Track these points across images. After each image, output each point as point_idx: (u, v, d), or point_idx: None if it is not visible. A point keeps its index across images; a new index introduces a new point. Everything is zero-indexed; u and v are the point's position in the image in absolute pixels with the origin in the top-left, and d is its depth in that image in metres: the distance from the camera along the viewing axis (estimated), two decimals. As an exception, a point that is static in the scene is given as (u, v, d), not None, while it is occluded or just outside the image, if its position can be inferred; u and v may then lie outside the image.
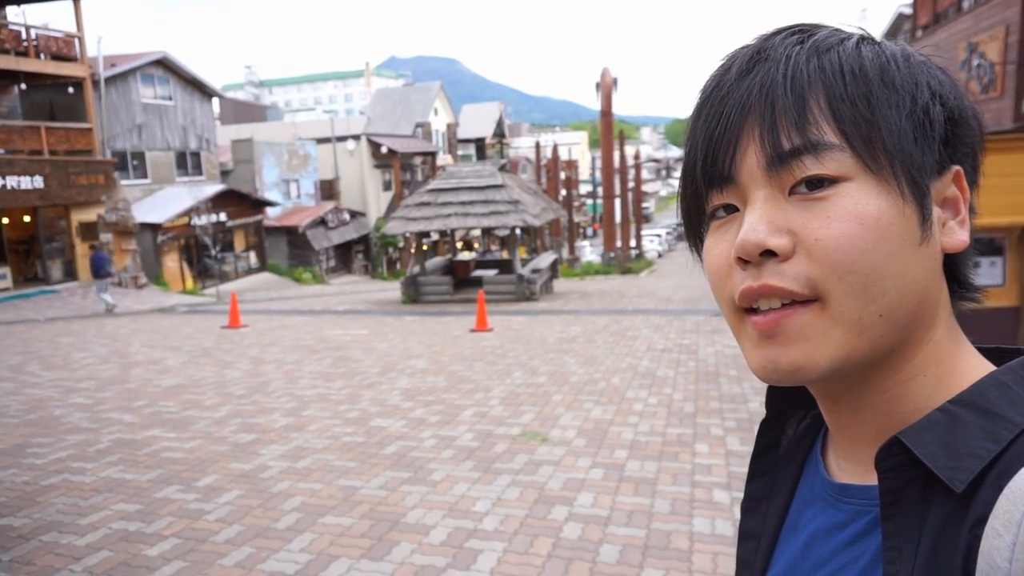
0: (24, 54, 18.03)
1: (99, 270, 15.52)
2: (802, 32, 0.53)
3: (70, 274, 19.16)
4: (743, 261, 0.51)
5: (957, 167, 0.53)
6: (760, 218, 0.50)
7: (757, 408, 5.92)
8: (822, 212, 0.49)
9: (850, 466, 0.58)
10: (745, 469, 4.46)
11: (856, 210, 0.48)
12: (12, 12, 19.80)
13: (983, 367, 0.54)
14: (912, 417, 0.52)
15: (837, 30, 0.54)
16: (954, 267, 0.55)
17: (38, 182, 17.30)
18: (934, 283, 0.52)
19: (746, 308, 0.53)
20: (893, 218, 0.49)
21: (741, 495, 4.02)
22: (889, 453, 0.50)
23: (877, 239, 0.48)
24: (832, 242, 0.48)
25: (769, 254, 0.50)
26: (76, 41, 19.51)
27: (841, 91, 0.50)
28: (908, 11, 14.93)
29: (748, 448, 4.89)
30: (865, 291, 0.49)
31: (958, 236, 0.53)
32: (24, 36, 18.09)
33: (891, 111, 0.50)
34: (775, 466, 0.67)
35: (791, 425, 0.67)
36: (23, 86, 20.36)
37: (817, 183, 0.49)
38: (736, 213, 0.54)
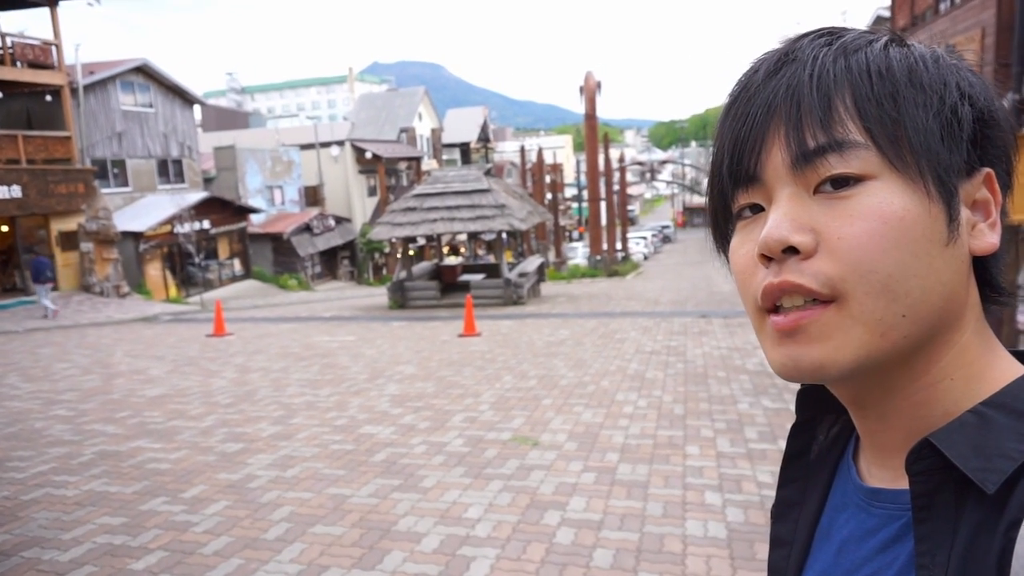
0: (0, 62, 17.78)
1: (39, 275, 15.36)
2: (830, 34, 0.53)
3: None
4: (766, 258, 0.51)
5: (988, 169, 0.52)
6: (784, 215, 0.50)
7: (746, 409, 5.93)
8: (846, 210, 0.49)
9: (881, 471, 0.57)
10: (736, 471, 4.48)
11: (880, 208, 0.48)
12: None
13: (1015, 370, 0.53)
14: (941, 421, 0.51)
15: (865, 32, 0.54)
16: (984, 270, 0.54)
17: (16, 191, 17.03)
18: (960, 285, 0.51)
19: (768, 309, 0.52)
20: (918, 217, 0.48)
21: (733, 497, 4.02)
22: (920, 456, 0.49)
23: (901, 238, 0.48)
24: (855, 240, 0.48)
25: (792, 251, 0.49)
26: (53, 48, 19.27)
27: (867, 90, 0.49)
28: (887, 13, 15.12)
29: (738, 450, 4.90)
30: (887, 290, 0.48)
31: (988, 239, 0.52)
32: (0, 44, 17.85)
33: (918, 110, 0.49)
34: (806, 471, 0.66)
35: (822, 430, 0.66)
36: None
37: (842, 182, 0.49)
38: (762, 213, 0.53)
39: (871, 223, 0.48)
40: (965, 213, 0.51)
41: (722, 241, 0.60)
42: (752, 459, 4.69)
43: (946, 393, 0.52)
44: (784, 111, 0.51)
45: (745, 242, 0.54)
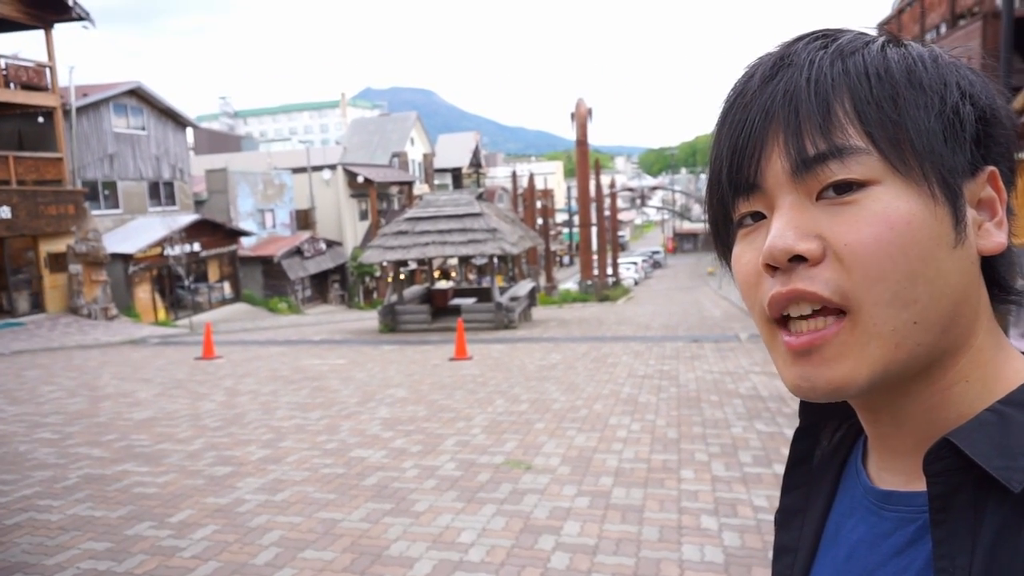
0: (-7, 84, 17.80)
1: None
2: (825, 37, 0.53)
3: (38, 306, 18.70)
4: (771, 268, 0.50)
5: (992, 167, 0.52)
6: (788, 224, 0.49)
7: (740, 433, 5.91)
8: (851, 216, 0.48)
9: (891, 475, 0.56)
10: (731, 495, 4.43)
11: (886, 213, 0.47)
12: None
13: None
14: (955, 423, 0.50)
15: (862, 34, 0.53)
16: (993, 270, 0.53)
17: (5, 212, 16.94)
18: (971, 287, 0.50)
19: (776, 319, 0.51)
20: (924, 221, 0.48)
21: (729, 521, 3.99)
22: (938, 456, 0.48)
23: (908, 242, 0.47)
24: (862, 247, 0.47)
25: (798, 260, 0.49)
26: (47, 71, 19.33)
27: (866, 93, 0.49)
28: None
29: (733, 474, 4.87)
30: (897, 297, 0.47)
31: (995, 238, 0.51)
32: (-6, 66, 17.89)
33: (919, 112, 0.49)
34: (810, 477, 0.65)
35: (826, 435, 0.65)
36: (-9, 115, 20.09)
37: (845, 187, 0.48)
38: (763, 220, 0.52)
39: (877, 228, 0.47)
40: (971, 213, 0.50)
41: (723, 249, 0.59)
42: (747, 483, 4.66)
43: (962, 395, 0.51)
44: (782, 117, 0.50)
45: (748, 250, 0.53)
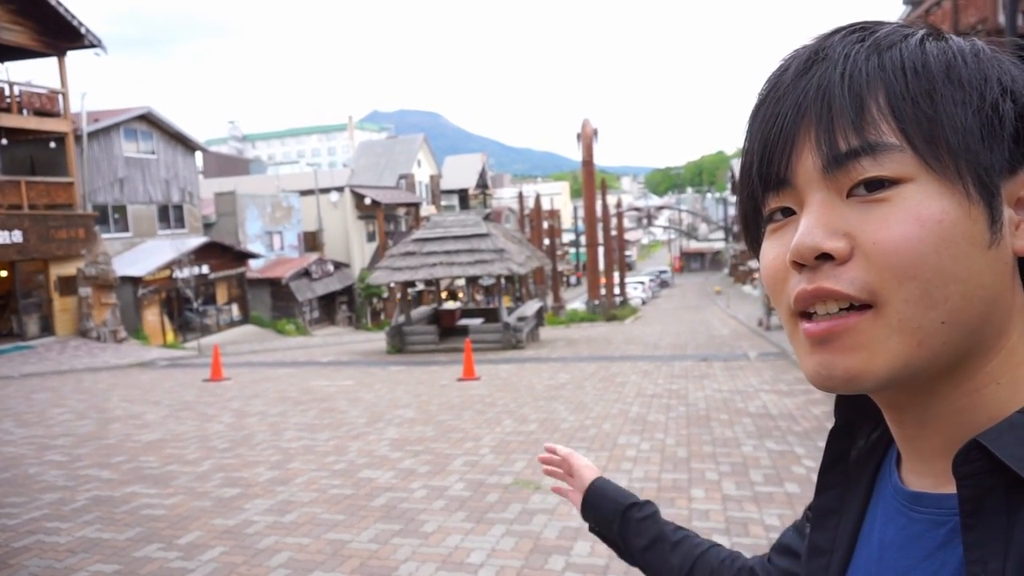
0: (7, 110, 18.06)
1: None
2: (863, 30, 0.52)
3: (47, 329, 18.80)
4: (798, 265, 0.49)
5: None
6: (816, 221, 0.48)
7: (751, 452, 5.85)
8: (881, 214, 0.47)
9: (921, 478, 0.55)
10: (743, 514, 4.39)
11: (917, 212, 0.46)
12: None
13: None
14: (985, 426, 0.49)
15: (901, 26, 0.52)
16: None
17: (16, 236, 17.11)
18: (1005, 287, 0.49)
19: (801, 313, 0.50)
20: (958, 220, 0.46)
21: (741, 540, 3.94)
22: (968, 458, 0.47)
23: (939, 242, 0.46)
24: (891, 245, 0.46)
25: (825, 258, 0.48)
26: (60, 97, 19.61)
27: (902, 89, 0.47)
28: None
29: (744, 493, 4.82)
30: (926, 296, 0.46)
31: None
32: (7, 92, 18.16)
33: (956, 108, 0.47)
34: (845, 478, 0.63)
35: (862, 435, 0.64)
36: (4, 141, 20.34)
37: (877, 184, 0.47)
38: (793, 216, 0.52)
39: (908, 227, 0.46)
40: (1008, 213, 0.49)
41: (754, 243, 0.58)
42: (759, 502, 4.61)
43: (992, 398, 0.50)
44: (815, 112, 0.49)
45: (776, 246, 0.53)
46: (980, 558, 0.45)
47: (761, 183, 0.53)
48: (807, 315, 0.50)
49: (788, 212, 0.52)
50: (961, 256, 0.46)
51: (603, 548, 3.91)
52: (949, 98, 0.47)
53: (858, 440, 0.64)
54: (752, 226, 0.57)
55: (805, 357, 0.51)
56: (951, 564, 0.49)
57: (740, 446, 6.07)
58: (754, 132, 0.53)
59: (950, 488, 0.49)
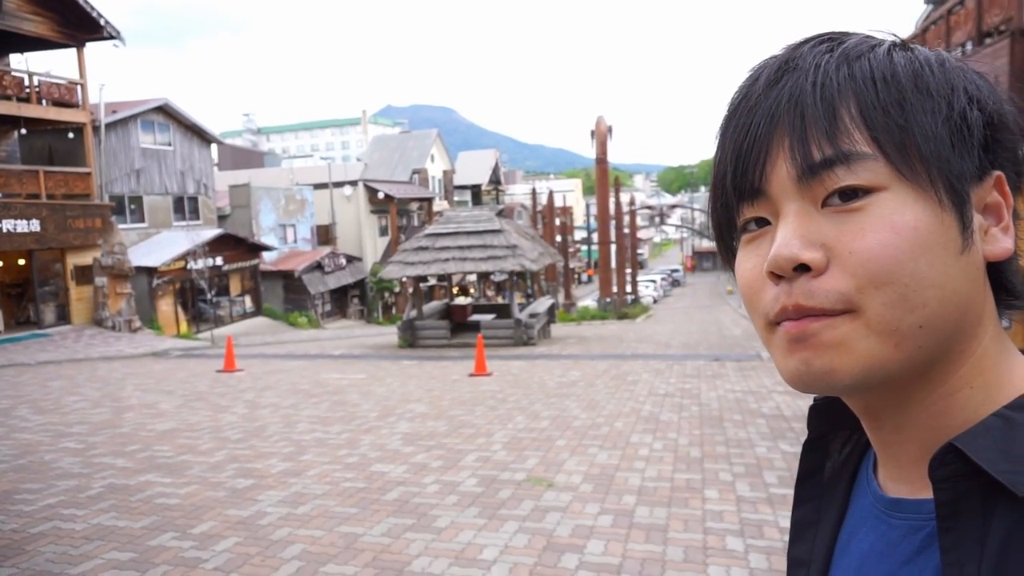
0: (26, 100, 18.23)
1: None
2: (831, 40, 0.52)
3: (63, 317, 18.99)
4: (776, 276, 0.49)
5: (998, 172, 0.51)
6: (793, 232, 0.49)
7: (764, 453, 5.82)
8: (856, 224, 0.47)
9: (899, 484, 0.55)
10: (757, 516, 4.36)
11: (892, 220, 0.47)
12: (15, 59, 20.10)
13: None
14: (960, 430, 0.49)
15: (868, 37, 0.53)
16: (999, 275, 0.53)
17: (35, 225, 17.28)
18: (977, 292, 0.50)
19: (778, 322, 0.51)
20: (931, 227, 0.47)
21: (755, 542, 3.92)
22: (944, 461, 0.47)
23: (915, 248, 0.47)
24: (867, 254, 0.47)
25: (803, 268, 0.48)
26: (78, 88, 19.77)
27: (873, 98, 0.48)
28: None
29: (758, 494, 4.79)
30: (905, 301, 0.47)
31: (1001, 243, 0.51)
32: (27, 82, 18.33)
33: (926, 117, 0.48)
34: (821, 490, 0.64)
35: (835, 446, 0.65)
36: (23, 131, 20.54)
37: (851, 194, 0.48)
38: (768, 227, 0.52)
39: (883, 235, 0.47)
40: (977, 219, 0.50)
41: (728, 254, 0.58)
42: (773, 504, 4.58)
43: (965, 402, 0.50)
44: (788, 122, 0.49)
45: (751, 257, 0.53)
46: (957, 560, 0.46)
47: (735, 193, 0.53)
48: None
49: (762, 222, 0.53)
50: (936, 262, 0.47)
51: (617, 547, 3.91)
52: (919, 107, 0.48)
53: (832, 452, 0.65)
54: (726, 236, 0.57)
55: (782, 359, 0.51)
56: (929, 568, 0.49)
57: (754, 447, 6.03)
58: (727, 142, 0.54)
59: (927, 494, 0.49)
